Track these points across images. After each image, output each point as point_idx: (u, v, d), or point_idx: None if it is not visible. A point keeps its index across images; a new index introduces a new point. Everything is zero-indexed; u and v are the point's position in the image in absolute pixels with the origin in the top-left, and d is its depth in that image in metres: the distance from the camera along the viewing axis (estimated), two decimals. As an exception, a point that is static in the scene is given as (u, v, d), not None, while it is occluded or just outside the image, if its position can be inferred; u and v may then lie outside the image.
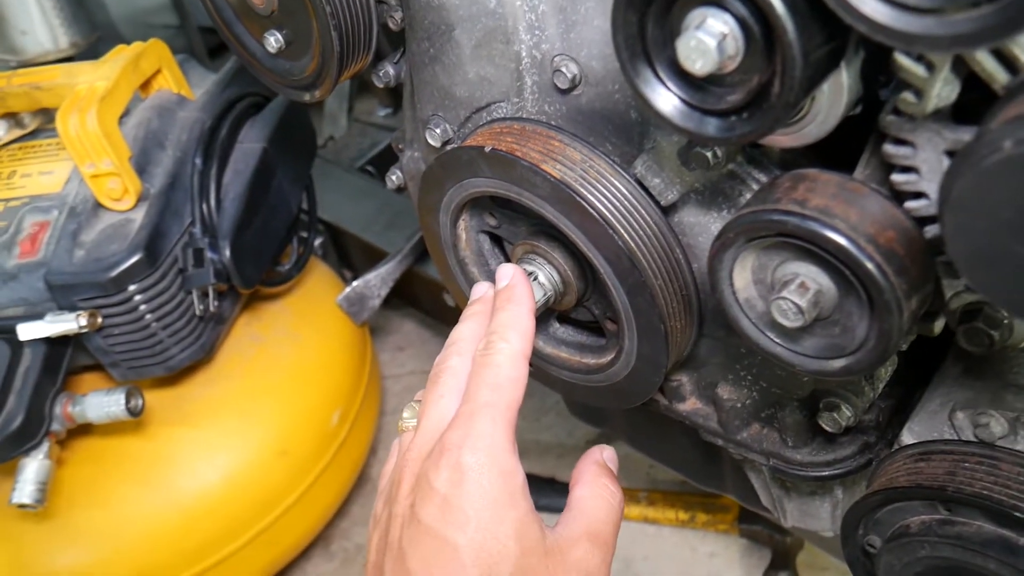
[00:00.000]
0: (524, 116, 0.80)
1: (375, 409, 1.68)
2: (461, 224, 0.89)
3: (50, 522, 1.27)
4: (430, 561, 0.60)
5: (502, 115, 0.81)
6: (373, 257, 1.72)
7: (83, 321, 1.15)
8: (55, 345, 1.18)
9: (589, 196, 0.73)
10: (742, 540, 1.52)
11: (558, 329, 0.92)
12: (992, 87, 0.50)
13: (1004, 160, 0.42)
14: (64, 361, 1.20)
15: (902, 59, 0.53)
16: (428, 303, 1.81)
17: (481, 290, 0.77)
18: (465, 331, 0.72)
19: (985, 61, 0.49)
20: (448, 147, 0.86)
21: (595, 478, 0.69)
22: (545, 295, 0.81)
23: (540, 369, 0.93)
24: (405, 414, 0.73)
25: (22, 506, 1.16)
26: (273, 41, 0.86)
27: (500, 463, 0.62)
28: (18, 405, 1.13)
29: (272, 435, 1.41)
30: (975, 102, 0.53)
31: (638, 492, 1.58)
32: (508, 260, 0.90)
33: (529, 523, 0.62)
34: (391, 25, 0.87)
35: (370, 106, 2.26)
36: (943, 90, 0.53)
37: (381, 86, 0.94)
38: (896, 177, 0.58)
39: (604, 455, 0.71)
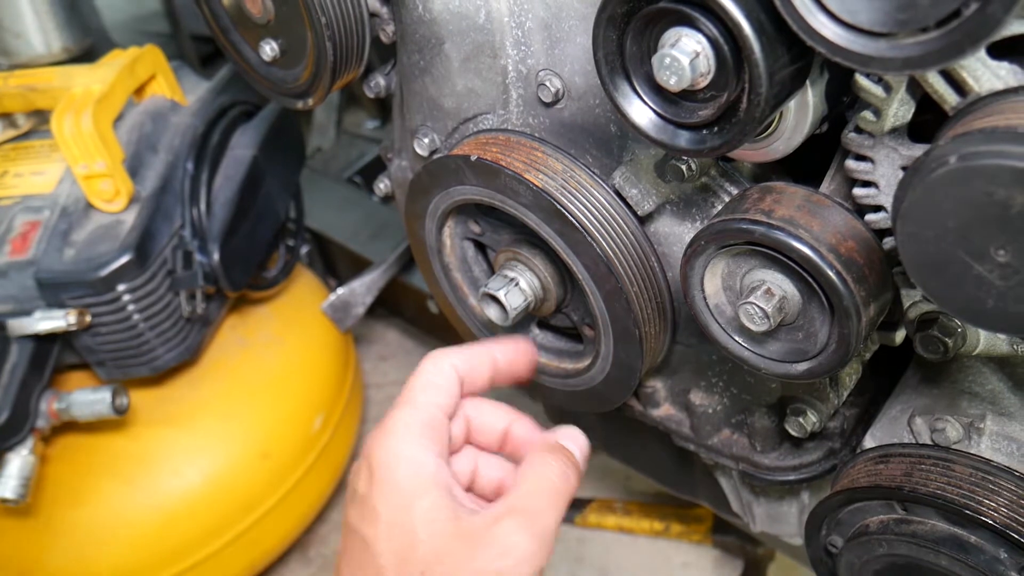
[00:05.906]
0: (509, 128, 0.83)
1: (357, 416, 1.70)
2: (446, 231, 0.92)
3: (31, 518, 1.28)
4: (353, 560, 0.65)
5: (488, 126, 0.84)
6: (358, 266, 1.74)
7: (71, 319, 1.16)
8: (43, 342, 1.20)
9: (569, 205, 0.76)
10: (715, 551, 1.55)
11: (538, 334, 0.95)
12: (944, 108, 0.54)
13: (949, 173, 0.46)
14: (51, 358, 1.22)
15: (862, 80, 0.57)
16: (412, 313, 1.83)
17: None
18: None
19: (937, 83, 0.53)
20: (435, 156, 0.89)
21: (534, 453, 0.68)
22: (525, 300, 0.84)
23: (520, 373, 0.96)
24: None
25: (4, 501, 1.17)
26: (268, 50, 0.89)
27: (408, 456, 0.65)
28: (4, 400, 1.14)
29: (254, 438, 1.42)
30: (930, 122, 0.57)
31: (614, 502, 1.60)
32: (491, 267, 0.93)
33: (440, 508, 0.63)
34: (383, 38, 0.90)
35: (358, 118, 2.29)
36: (899, 110, 0.57)
37: (372, 96, 0.97)
38: (857, 191, 0.62)
39: (559, 434, 0.71)
